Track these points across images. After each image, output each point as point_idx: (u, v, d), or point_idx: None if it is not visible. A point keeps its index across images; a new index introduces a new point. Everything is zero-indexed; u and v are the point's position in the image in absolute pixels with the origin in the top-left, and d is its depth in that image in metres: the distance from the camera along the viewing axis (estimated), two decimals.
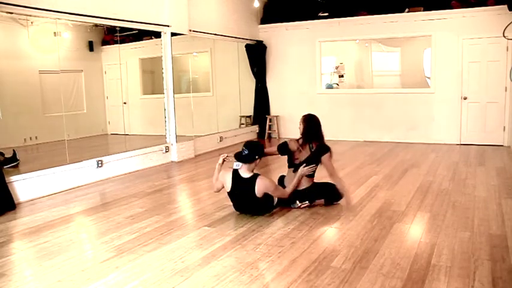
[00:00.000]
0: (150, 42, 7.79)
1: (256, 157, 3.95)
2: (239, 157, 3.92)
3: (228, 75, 9.55)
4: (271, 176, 4.86)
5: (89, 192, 5.29)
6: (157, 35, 7.15)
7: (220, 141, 8.51)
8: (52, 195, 5.12)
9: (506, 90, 7.74)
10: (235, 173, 3.96)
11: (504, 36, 7.35)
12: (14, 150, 5.83)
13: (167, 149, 7.15)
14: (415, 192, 4.78)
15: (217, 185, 4.23)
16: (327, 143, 4.42)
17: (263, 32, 9.77)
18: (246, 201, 4.02)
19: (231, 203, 4.24)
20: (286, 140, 4.49)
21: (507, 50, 7.62)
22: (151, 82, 8.84)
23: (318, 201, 4.35)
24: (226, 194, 4.15)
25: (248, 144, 4.01)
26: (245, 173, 3.94)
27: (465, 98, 8.07)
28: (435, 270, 2.83)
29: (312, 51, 9.32)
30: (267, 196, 3.99)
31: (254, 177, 3.92)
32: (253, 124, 9.75)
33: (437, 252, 3.12)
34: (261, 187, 3.89)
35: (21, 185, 4.89)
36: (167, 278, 2.82)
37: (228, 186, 4.02)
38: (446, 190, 4.86)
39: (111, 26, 6.41)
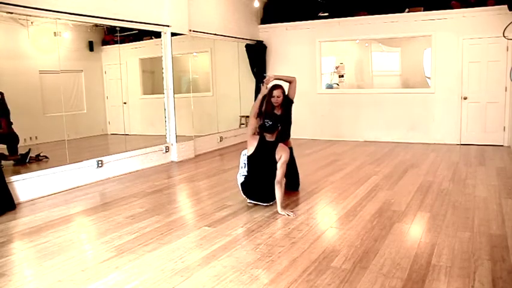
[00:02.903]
0: (150, 42, 7.79)
1: (278, 125, 4.33)
2: (265, 128, 4.29)
3: (228, 75, 9.55)
4: None
5: (89, 192, 5.29)
6: (158, 35, 7.15)
7: (220, 141, 8.51)
8: (52, 195, 5.13)
9: (506, 90, 7.73)
10: (262, 137, 4.33)
11: (504, 36, 7.36)
12: (29, 149, 6.02)
13: (167, 149, 7.15)
14: (415, 192, 4.78)
15: (254, 124, 4.50)
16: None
17: (263, 32, 9.77)
18: (264, 166, 4.24)
19: (241, 192, 4.42)
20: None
21: (507, 50, 7.61)
22: (152, 82, 8.83)
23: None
24: (241, 182, 4.42)
25: (266, 116, 4.38)
26: (270, 138, 4.33)
27: (465, 98, 8.07)
28: (435, 270, 2.83)
29: (312, 51, 9.32)
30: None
31: (277, 142, 4.32)
32: None
33: (437, 252, 3.12)
34: (280, 150, 4.23)
35: (21, 185, 4.89)
36: (167, 278, 2.82)
37: (252, 149, 4.32)
38: (447, 190, 4.86)
39: (111, 26, 6.41)
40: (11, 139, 5.86)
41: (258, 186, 4.32)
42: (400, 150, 7.61)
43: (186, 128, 7.63)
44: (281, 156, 4.21)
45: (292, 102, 4.83)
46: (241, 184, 4.42)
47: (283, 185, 4.28)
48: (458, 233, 3.51)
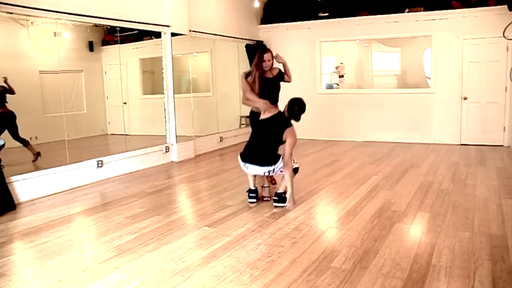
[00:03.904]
0: (150, 42, 7.79)
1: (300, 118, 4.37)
2: (293, 115, 4.31)
3: (228, 75, 9.55)
4: None
5: (89, 192, 5.29)
6: (158, 35, 7.15)
7: (221, 141, 8.51)
8: (52, 195, 5.13)
9: (506, 90, 7.74)
10: (282, 116, 4.36)
11: (504, 36, 7.36)
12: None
13: (167, 149, 7.15)
14: (415, 193, 4.78)
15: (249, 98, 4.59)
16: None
17: (263, 32, 9.77)
18: (270, 133, 4.30)
19: (241, 163, 4.47)
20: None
21: (507, 50, 7.61)
22: (152, 82, 8.83)
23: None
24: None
25: (297, 102, 4.33)
26: (286, 115, 4.36)
27: (465, 98, 8.07)
28: (435, 270, 2.83)
29: (312, 51, 9.32)
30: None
31: (290, 124, 4.32)
32: None
33: (437, 252, 3.13)
34: (287, 132, 4.23)
35: (22, 185, 4.89)
36: (167, 278, 2.83)
37: (268, 115, 4.37)
38: (447, 190, 4.86)
39: (111, 26, 6.41)
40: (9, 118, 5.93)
41: (258, 147, 4.35)
42: (400, 151, 7.61)
43: (186, 128, 7.63)
44: (287, 138, 4.25)
45: (282, 79, 4.90)
46: (241, 154, 4.45)
47: (291, 169, 4.28)
48: (458, 233, 3.51)
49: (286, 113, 4.36)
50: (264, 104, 4.43)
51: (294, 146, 4.26)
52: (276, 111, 4.41)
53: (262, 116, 4.42)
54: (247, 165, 4.38)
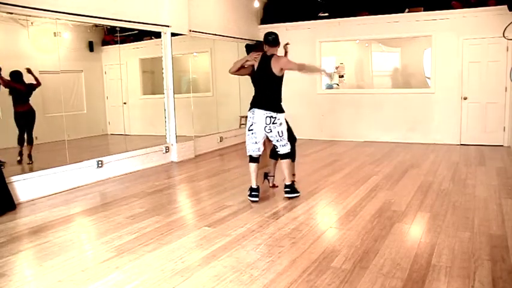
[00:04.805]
0: (150, 42, 7.79)
1: (279, 41, 4.58)
2: (268, 42, 4.51)
3: (228, 75, 9.49)
4: None
5: (89, 192, 5.29)
6: (158, 35, 7.15)
7: (221, 141, 8.51)
8: (52, 195, 5.13)
9: (506, 90, 7.73)
10: (264, 55, 4.53)
11: (504, 36, 7.36)
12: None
13: (167, 149, 7.15)
14: (415, 193, 4.78)
15: (238, 68, 4.69)
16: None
17: (263, 32, 9.65)
18: (265, 78, 4.47)
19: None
20: None
21: (507, 50, 7.61)
22: (152, 82, 8.83)
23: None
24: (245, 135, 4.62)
25: (266, 34, 4.59)
26: (270, 52, 4.54)
27: (465, 98, 8.07)
28: (435, 270, 2.83)
29: (312, 51, 9.31)
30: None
31: (273, 55, 4.50)
32: None
33: (437, 252, 3.13)
34: (275, 62, 4.42)
35: (22, 185, 4.89)
36: (167, 278, 2.83)
37: (256, 64, 4.55)
38: (447, 190, 4.86)
39: (111, 26, 6.42)
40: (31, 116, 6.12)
41: (261, 93, 4.52)
42: (400, 151, 7.61)
43: (186, 128, 7.63)
44: (279, 65, 4.39)
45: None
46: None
47: (305, 65, 4.53)
48: (458, 233, 3.51)
49: (266, 49, 4.52)
50: (250, 56, 4.66)
51: (288, 61, 4.46)
52: (260, 54, 4.59)
53: (256, 66, 4.57)
54: (254, 109, 4.49)
